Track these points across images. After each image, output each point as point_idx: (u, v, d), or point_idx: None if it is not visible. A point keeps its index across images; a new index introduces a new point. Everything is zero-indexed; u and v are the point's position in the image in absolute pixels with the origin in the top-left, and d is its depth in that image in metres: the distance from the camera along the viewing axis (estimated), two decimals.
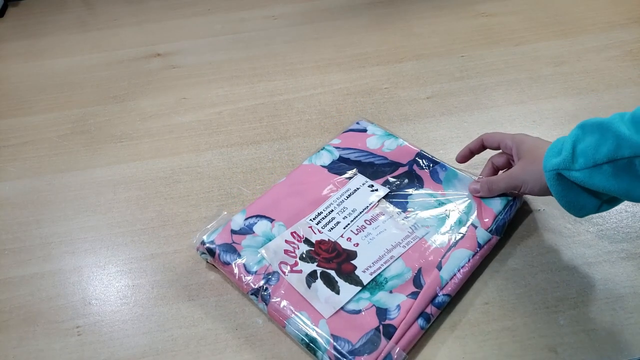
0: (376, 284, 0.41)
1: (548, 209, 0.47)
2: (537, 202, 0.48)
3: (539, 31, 0.69)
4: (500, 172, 0.47)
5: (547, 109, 0.57)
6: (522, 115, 0.57)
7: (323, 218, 0.46)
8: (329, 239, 0.45)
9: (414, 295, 0.40)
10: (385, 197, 0.47)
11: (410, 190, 0.48)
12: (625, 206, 0.47)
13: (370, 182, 0.49)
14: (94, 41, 0.75)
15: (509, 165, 0.47)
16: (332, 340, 0.38)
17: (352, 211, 0.46)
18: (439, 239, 0.44)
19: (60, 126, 0.61)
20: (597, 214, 0.46)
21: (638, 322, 0.39)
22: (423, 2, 0.77)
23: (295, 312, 0.40)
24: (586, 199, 0.38)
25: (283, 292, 0.41)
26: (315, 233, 0.45)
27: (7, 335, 0.42)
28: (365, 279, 0.41)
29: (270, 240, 0.45)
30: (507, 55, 0.65)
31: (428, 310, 0.39)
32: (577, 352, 0.38)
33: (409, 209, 0.46)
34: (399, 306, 0.39)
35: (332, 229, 0.45)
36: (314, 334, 0.38)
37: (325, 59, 0.68)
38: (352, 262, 0.43)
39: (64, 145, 0.59)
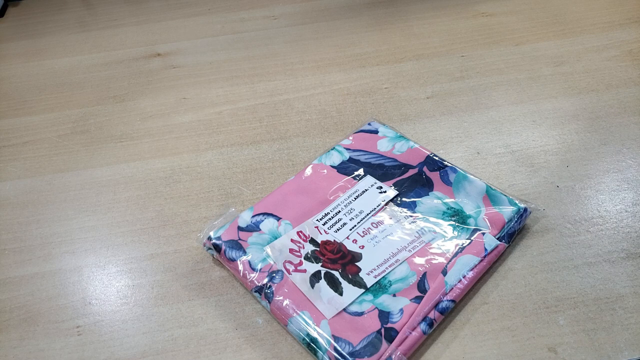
0: (380, 287, 0.41)
1: (548, 209, 0.47)
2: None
3: (539, 31, 0.69)
4: None
5: (547, 109, 0.57)
6: (522, 115, 0.57)
7: (330, 219, 0.46)
8: (334, 240, 0.44)
9: (418, 299, 0.40)
10: (394, 199, 0.47)
11: (419, 193, 0.48)
12: (625, 206, 0.47)
13: (379, 183, 0.49)
14: (94, 41, 0.75)
15: None
16: (332, 341, 0.38)
17: (359, 213, 0.46)
18: (446, 244, 0.43)
19: (60, 126, 0.61)
20: (597, 214, 0.46)
21: (638, 322, 0.39)
22: (423, 2, 0.77)
23: (298, 312, 0.40)
24: None
25: (286, 290, 0.41)
26: (321, 233, 0.45)
27: (7, 335, 0.42)
28: (369, 281, 0.41)
29: (276, 238, 0.45)
30: (507, 55, 0.65)
31: (431, 315, 0.39)
32: (576, 352, 0.38)
33: (416, 213, 0.46)
34: (402, 310, 0.39)
35: (338, 230, 0.45)
36: (315, 334, 0.38)
37: (325, 59, 0.68)
38: (357, 264, 0.43)
39: (64, 145, 0.59)
